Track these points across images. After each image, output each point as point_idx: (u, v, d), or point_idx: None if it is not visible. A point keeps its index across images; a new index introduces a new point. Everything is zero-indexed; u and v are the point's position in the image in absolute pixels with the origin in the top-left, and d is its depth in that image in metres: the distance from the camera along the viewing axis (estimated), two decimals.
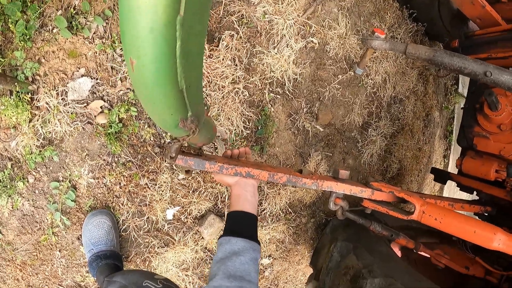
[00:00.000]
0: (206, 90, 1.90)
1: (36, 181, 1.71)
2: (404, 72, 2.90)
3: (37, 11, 1.51)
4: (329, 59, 2.36)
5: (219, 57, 1.89)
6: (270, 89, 2.13)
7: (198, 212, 2.08)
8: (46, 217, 1.75)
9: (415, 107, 3.17)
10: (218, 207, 2.15)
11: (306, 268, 2.76)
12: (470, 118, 2.17)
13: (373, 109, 2.75)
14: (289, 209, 2.44)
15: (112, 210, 1.85)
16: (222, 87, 1.94)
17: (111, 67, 1.72)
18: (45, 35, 1.57)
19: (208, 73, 1.89)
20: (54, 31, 1.58)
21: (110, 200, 1.84)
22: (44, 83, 1.61)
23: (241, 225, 1.20)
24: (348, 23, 2.37)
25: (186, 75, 0.65)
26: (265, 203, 2.27)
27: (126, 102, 1.75)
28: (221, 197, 2.12)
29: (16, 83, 1.49)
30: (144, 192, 1.89)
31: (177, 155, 1.09)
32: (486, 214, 2.43)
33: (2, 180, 1.65)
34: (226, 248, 1.09)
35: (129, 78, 1.73)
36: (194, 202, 2.03)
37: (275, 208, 2.32)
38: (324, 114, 2.43)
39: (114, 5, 1.68)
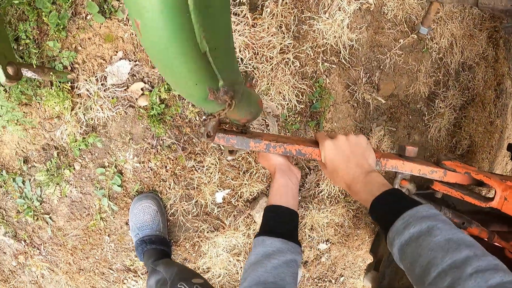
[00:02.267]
0: (252, 62, 1.73)
1: (82, 168, 1.68)
2: (472, 35, 2.50)
3: (68, 0, 1.43)
4: (387, 22, 2.07)
5: (263, 25, 1.71)
6: (324, 58, 1.91)
7: (250, 194, 1.96)
8: (94, 203, 1.73)
9: (486, 75, 2.75)
10: None
11: (366, 254, 2.55)
12: None
13: (440, 77, 2.41)
14: None
15: (159, 194, 1.79)
16: (270, 58, 1.76)
17: None
18: (79, 23, 1.49)
19: (253, 43, 1.72)
20: (88, 17, 1.50)
21: (156, 184, 1.78)
22: (83, 70, 1.55)
23: (280, 223, 1.02)
24: None
25: (207, 34, 0.50)
26: (322, 184, 2.09)
27: (166, 82, 1.65)
28: None
29: (55, 73, 1.45)
30: (192, 175, 1.80)
31: (215, 133, 0.93)
32: None
33: (49, 169, 1.64)
34: (259, 251, 0.93)
35: None
36: (245, 184, 1.91)
37: (333, 190, 2.13)
38: (385, 84, 2.16)
39: None
